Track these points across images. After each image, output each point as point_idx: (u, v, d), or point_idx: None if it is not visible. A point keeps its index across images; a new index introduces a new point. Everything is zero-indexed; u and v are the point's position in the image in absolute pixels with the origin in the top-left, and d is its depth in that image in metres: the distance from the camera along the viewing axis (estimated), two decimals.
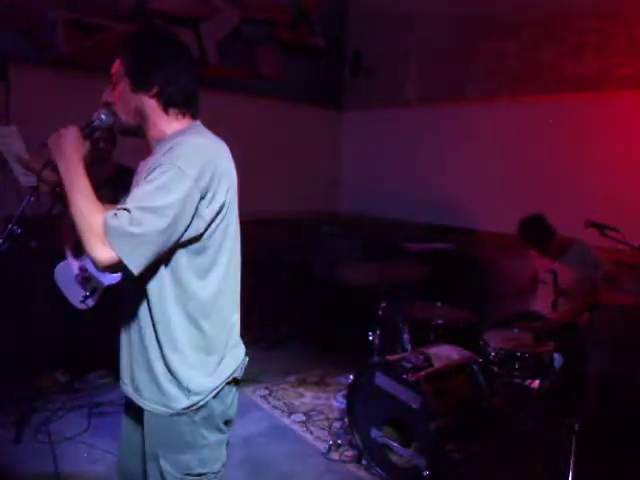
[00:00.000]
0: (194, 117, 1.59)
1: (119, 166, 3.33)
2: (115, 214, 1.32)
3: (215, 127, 1.62)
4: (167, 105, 1.52)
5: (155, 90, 1.50)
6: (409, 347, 3.27)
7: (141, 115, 1.52)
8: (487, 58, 4.48)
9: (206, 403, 1.52)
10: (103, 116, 1.55)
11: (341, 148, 5.91)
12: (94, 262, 1.34)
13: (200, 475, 1.55)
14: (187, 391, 1.50)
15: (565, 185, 3.93)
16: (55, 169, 1.48)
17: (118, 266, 1.33)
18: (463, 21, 4.63)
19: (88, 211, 1.36)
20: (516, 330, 3.16)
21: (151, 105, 1.51)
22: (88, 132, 1.54)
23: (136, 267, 1.34)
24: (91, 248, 1.33)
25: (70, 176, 1.42)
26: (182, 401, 1.50)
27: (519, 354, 2.92)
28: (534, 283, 3.53)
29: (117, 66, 1.53)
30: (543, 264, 3.35)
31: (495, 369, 2.97)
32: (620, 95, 3.70)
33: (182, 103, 1.54)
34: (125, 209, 1.33)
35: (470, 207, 4.62)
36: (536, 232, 3.26)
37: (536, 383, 3.04)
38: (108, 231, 1.31)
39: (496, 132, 4.41)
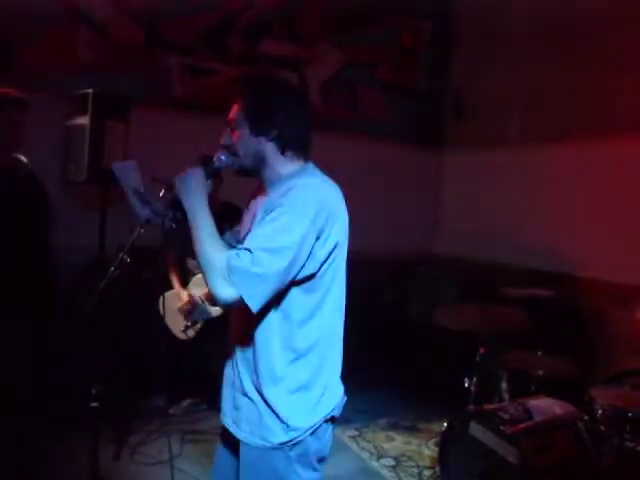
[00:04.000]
0: (307, 159, 1.64)
1: (225, 203, 3.47)
2: (237, 254, 1.40)
3: (318, 167, 1.66)
4: (284, 148, 1.58)
5: (274, 134, 1.56)
6: (507, 397, 3.11)
7: (259, 157, 1.59)
8: (597, 98, 4.30)
9: (303, 439, 1.53)
10: (223, 157, 1.62)
11: (440, 189, 5.85)
12: (216, 298, 1.41)
13: None
14: (286, 426, 1.51)
15: None
16: (179, 206, 1.56)
17: (238, 303, 1.39)
18: (567, 59, 4.50)
19: (212, 250, 1.44)
20: (628, 387, 2.92)
21: (269, 148, 1.58)
22: (210, 173, 1.61)
23: (256, 305, 1.40)
24: (214, 285, 1.41)
25: (196, 216, 1.50)
26: (280, 435, 1.52)
27: (631, 414, 2.68)
28: None
29: (236, 111, 1.61)
30: None
31: (602, 429, 2.75)
32: None
33: (298, 146, 1.60)
34: (247, 249, 1.39)
35: (574, 252, 4.39)
36: None
37: None
38: (231, 270, 1.38)
39: (604, 174, 4.19)
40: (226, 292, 1.39)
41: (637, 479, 2.59)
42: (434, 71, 5.79)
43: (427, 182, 5.80)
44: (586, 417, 2.76)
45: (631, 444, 2.63)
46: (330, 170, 1.70)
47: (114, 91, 3.32)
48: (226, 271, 1.39)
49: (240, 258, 1.39)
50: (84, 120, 3.11)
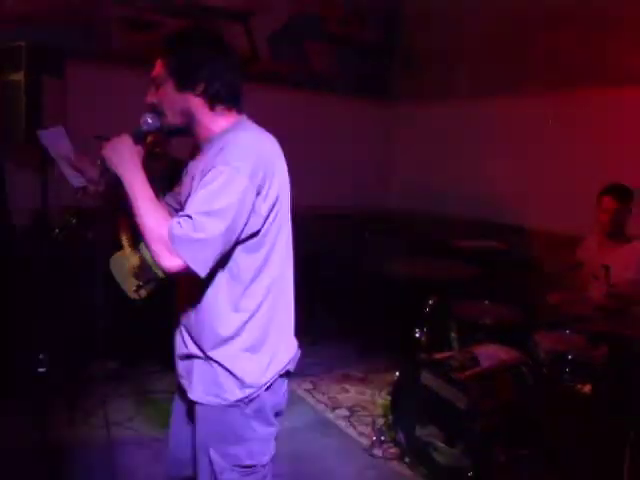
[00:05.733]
0: (239, 112, 1.59)
1: (173, 159, 3.38)
2: (178, 222, 1.36)
3: (265, 121, 1.62)
4: (213, 102, 1.52)
5: (200, 88, 1.50)
6: (456, 346, 3.22)
7: (187, 114, 1.53)
8: (544, 50, 4.35)
9: (258, 395, 1.54)
10: (149, 119, 1.56)
11: (391, 142, 5.85)
12: (162, 269, 1.39)
13: (249, 467, 1.56)
14: (241, 383, 1.52)
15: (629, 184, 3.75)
16: (110, 176, 1.50)
17: (185, 271, 1.37)
18: (518, 12, 4.51)
19: (153, 221, 1.39)
20: (568, 332, 3.07)
21: (197, 103, 1.52)
22: (139, 138, 1.55)
23: (203, 270, 1.39)
24: (158, 256, 1.38)
25: (132, 186, 1.44)
26: (235, 393, 1.52)
27: (570, 357, 2.83)
28: (577, 274, 3.41)
29: (159, 68, 1.54)
30: (598, 258, 3.23)
31: (545, 371, 2.90)
32: None
33: (228, 99, 1.54)
34: (187, 216, 1.36)
35: (522, 205, 4.51)
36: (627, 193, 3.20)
37: (587, 387, 2.95)
38: (174, 240, 1.35)
39: (551, 126, 4.28)
40: (171, 262, 1.37)
41: (574, 413, 2.74)
42: (384, 23, 5.71)
43: (378, 136, 5.80)
44: (530, 361, 2.90)
45: (570, 383, 2.78)
46: (279, 124, 1.66)
47: (49, 44, 3.13)
48: (169, 241, 1.35)
49: (181, 226, 1.36)
50: (18, 76, 2.92)
